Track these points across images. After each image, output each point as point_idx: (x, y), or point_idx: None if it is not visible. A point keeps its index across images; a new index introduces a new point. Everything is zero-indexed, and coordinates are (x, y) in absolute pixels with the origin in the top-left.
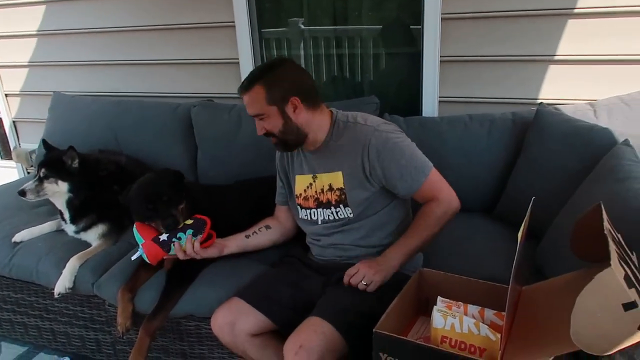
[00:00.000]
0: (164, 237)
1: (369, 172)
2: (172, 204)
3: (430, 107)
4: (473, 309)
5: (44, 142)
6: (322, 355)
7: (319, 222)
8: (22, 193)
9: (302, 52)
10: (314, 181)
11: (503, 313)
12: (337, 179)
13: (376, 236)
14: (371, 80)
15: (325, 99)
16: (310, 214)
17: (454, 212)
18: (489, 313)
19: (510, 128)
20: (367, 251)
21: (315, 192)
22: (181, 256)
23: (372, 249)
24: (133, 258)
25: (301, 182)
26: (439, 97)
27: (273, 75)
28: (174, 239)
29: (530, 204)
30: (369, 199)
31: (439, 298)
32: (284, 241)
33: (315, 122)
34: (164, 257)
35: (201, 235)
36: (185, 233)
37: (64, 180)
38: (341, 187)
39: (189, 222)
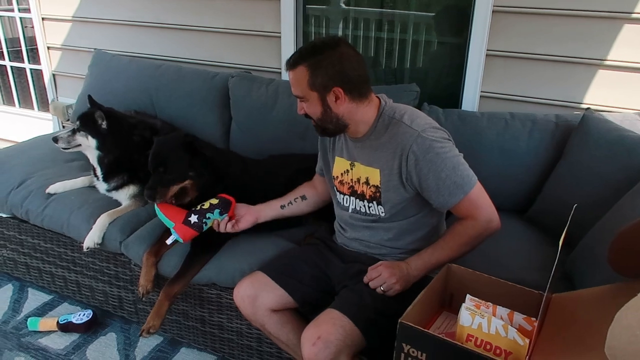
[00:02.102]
0: (194, 218)
1: (405, 177)
2: (165, 180)
3: (470, 101)
4: (502, 310)
5: (89, 98)
6: (339, 349)
7: (349, 210)
8: (55, 140)
9: (339, 32)
10: (352, 169)
11: (533, 319)
12: (374, 175)
13: (404, 240)
14: (411, 68)
15: None
16: (343, 199)
17: (490, 233)
18: (518, 317)
19: (553, 130)
20: (392, 251)
21: (351, 179)
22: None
23: (398, 250)
24: (169, 242)
25: (339, 165)
26: (481, 91)
27: (320, 60)
28: (204, 220)
29: (572, 211)
30: (402, 202)
31: (468, 296)
32: (320, 209)
33: (359, 114)
34: None
35: (227, 214)
36: (213, 213)
37: (93, 136)
38: (377, 185)
39: (215, 201)
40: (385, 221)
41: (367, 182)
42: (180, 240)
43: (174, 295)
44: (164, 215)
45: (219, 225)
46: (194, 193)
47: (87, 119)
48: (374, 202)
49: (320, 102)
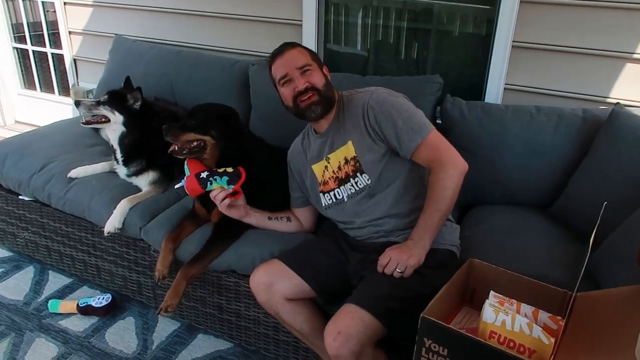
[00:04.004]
0: (203, 174)
1: (372, 132)
2: (187, 126)
3: (494, 93)
4: (527, 308)
5: (127, 78)
6: (360, 341)
7: (345, 199)
8: (77, 103)
9: (359, 21)
10: (328, 163)
11: (559, 317)
12: (349, 149)
13: (404, 201)
14: (434, 58)
15: (385, 73)
16: (334, 195)
17: (461, 172)
18: (543, 315)
19: (579, 125)
20: (400, 223)
21: (333, 172)
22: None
23: (405, 219)
24: (176, 187)
25: (318, 170)
26: (505, 84)
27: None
28: (210, 179)
29: (602, 209)
30: (381, 161)
31: (492, 292)
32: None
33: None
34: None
35: (233, 187)
36: (221, 178)
37: (120, 113)
38: (354, 156)
39: (229, 170)
40: (377, 191)
41: (346, 162)
42: (184, 188)
43: (191, 276)
44: (187, 166)
45: (218, 195)
46: (212, 154)
47: (116, 96)
48: (358, 174)
49: (321, 71)
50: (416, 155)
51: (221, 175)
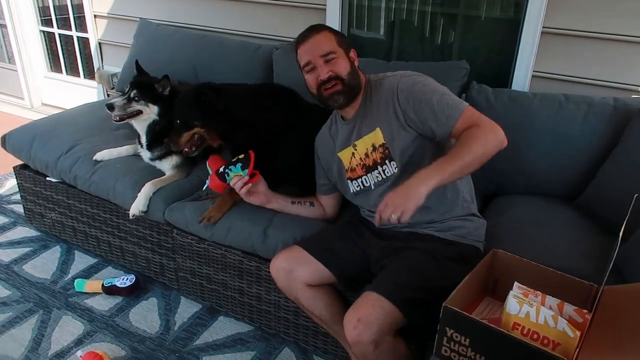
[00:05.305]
0: (221, 169)
1: (403, 118)
2: (176, 129)
3: (521, 80)
4: (552, 300)
5: (137, 63)
6: (381, 329)
7: (373, 187)
8: (111, 107)
9: (383, 5)
10: (355, 149)
11: (585, 311)
12: (377, 136)
13: (429, 194)
14: (460, 44)
15: (410, 59)
16: (361, 182)
17: (499, 141)
18: (569, 308)
19: (610, 114)
20: (426, 217)
21: (360, 159)
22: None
23: (430, 214)
24: (203, 188)
25: (345, 157)
26: (533, 71)
27: (334, 29)
28: (227, 170)
29: (633, 201)
30: (409, 148)
31: (516, 283)
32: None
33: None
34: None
35: (247, 171)
36: (235, 166)
37: (154, 103)
38: (383, 143)
39: (241, 156)
40: (403, 180)
41: (374, 149)
42: (209, 186)
43: (235, 200)
44: (209, 165)
45: (237, 184)
46: (213, 139)
47: (144, 86)
48: (386, 162)
49: (347, 57)
50: (455, 130)
51: (235, 163)
